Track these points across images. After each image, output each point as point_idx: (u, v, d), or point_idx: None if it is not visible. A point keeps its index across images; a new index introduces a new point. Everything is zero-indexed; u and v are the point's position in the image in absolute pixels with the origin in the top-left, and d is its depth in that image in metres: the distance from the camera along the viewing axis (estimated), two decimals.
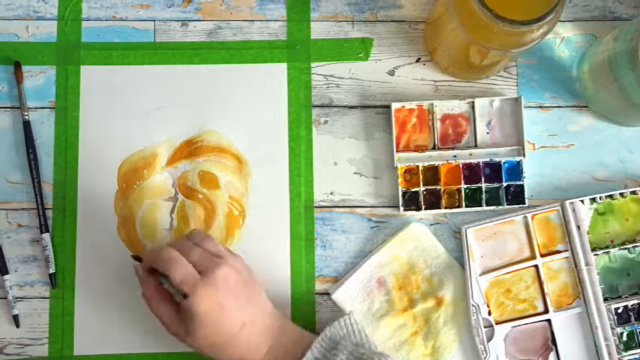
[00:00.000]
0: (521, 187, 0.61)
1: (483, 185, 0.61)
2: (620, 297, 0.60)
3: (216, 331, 0.50)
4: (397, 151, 0.61)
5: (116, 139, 0.62)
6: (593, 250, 0.60)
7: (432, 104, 0.61)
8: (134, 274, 0.60)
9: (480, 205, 0.61)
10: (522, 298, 0.60)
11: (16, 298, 0.60)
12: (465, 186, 0.61)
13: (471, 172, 0.61)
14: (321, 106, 0.62)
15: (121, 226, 0.61)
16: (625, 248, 0.60)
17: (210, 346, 0.51)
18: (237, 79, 0.62)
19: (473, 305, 0.59)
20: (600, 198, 0.60)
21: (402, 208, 0.60)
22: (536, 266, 0.60)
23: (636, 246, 0.60)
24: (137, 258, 0.56)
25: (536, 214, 0.60)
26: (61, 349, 0.60)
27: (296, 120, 0.62)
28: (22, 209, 0.61)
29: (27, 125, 0.61)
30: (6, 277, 0.60)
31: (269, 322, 0.53)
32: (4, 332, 0.60)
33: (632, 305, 0.59)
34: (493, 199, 0.61)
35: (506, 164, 0.61)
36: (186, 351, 0.60)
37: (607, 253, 0.60)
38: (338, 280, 0.61)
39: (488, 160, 0.61)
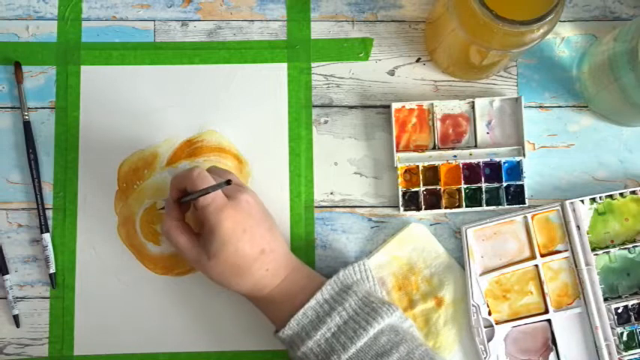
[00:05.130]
0: (521, 187, 0.61)
1: (483, 185, 0.61)
2: (620, 297, 0.60)
3: (238, 253, 0.52)
4: (397, 151, 0.61)
5: (116, 139, 0.62)
6: (593, 250, 0.60)
7: (432, 104, 0.61)
8: (134, 274, 0.61)
9: (480, 205, 0.61)
10: (522, 298, 0.60)
11: (16, 298, 0.60)
12: (465, 186, 0.61)
13: (471, 172, 0.61)
14: (322, 106, 0.62)
15: (121, 226, 0.61)
16: (625, 248, 0.60)
17: (230, 270, 0.52)
18: (237, 79, 0.62)
19: (473, 305, 0.59)
20: (600, 198, 0.60)
21: (402, 208, 0.60)
22: (536, 266, 0.60)
23: (636, 246, 0.60)
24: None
25: (536, 214, 0.60)
26: (61, 349, 0.60)
27: (296, 120, 0.62)
28: (22, 209, 0.61)
29: (27, 125, 0.61)
30: (6, 277, 0.60)
31: (286, 255, 0.56)
32: (5, 332, 0.60)
33: (632, 305, 0.59)
34: (493, 199, 0.61)
35: (506, 164, 0.61)
36: (188, 350, 0.60)
37: (607, 253, 0.60)
38: None
39: (488, 160, 0.61)
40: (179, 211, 0.55)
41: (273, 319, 0.55)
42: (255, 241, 0.52)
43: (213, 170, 0.56)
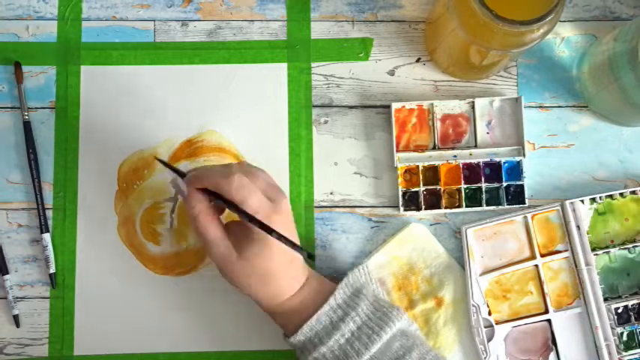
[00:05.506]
0: (521, 187, 0.61)
1: (483, 185, 0.61)
2: (620, 297, 0.60)
3: (273, 261, 0.49)
4: (397, 151, 0.61)
5: (116, 139, 0.62)
6: (593, 250, 0.60)
7: (432, 104, 0.61)
8: (134, 274, 0.60)
9: (480, 205, 0.61)
10: (522, 298, 0.60)
11: (17, 298, 0.60)
12: (465, 186, 0.61)
13: (471, 172, 0.61)
14: (322, 106, 0.62)
15: (121, 226, 0.61)
16: (625, 248, 0.60)
17: (257, 275, 0.50)
18: (238, 79, 0.62)
19: (473, 305, 0.59)
20: (600, 198, 0.60)
21: (402, 208, 0.60)
22: (536, 266, 0.60)
23: (636, 246, 0.60)
24: (167, 165, 0.53)
25: (536, 214, 0.60)
26: (61, 349, 0.60)
27: (296, 120, 0.62)
28: (22, 209, 0.61)
29: (27, 125, 0.61)
30: (6, 277, 0.60)
31: (302, 260, 0.53)
32: (5, 332, 0.60)
33: (632, 305, 0.59)
34: (493, 199, 0.61)
35: (506, 164, 0.61)
36: (188, 351, 0.60)
37: (607, 253, 0.60)
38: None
39: (488, 160, 0.61)
40: (205, 195, 0.50)
41: (283, 325, 0.54)
42: (288, 249, 0.49)
43: (245, 165, 0.52)
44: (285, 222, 0.50)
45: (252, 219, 0.48)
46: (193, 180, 0.50)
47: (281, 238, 0.48)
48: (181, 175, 0.52)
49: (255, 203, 0.48)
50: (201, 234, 0.50)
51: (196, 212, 0.50)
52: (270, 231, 0.47)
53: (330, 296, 0.52)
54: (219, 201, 0.49)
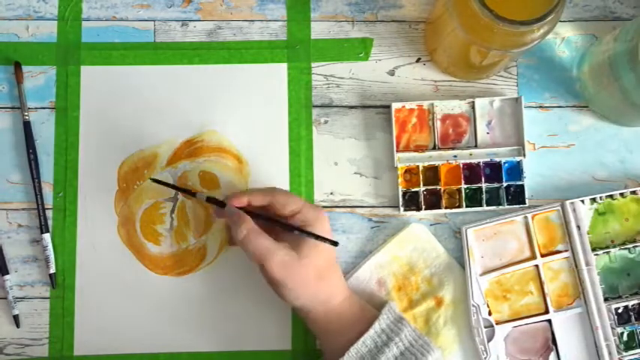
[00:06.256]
0: (522, 187, 0.61)
1: (483, 185, 0.61)
2: (620, 297, 0.60)
3: (326, 258, 0.53)
4: (397, 151, 0.61)
5: (116, 139, 0.62)
6: (593, 250, 0.60)
7: (432, 104, 0.61)
8: (134, 274, 0.60)
9: (481, 205, 0.61)
10: (523, 298, 0.60)
11: (17, 298, 0.60)
12: (466, 186, 0.61)
13: (471, 172, 0.61)
14: (322, 106, 0.62)
15: (121, 226, 0.61)
16: (625, 248, 0.60)
17: (315, 276, 0.53)
18: (238, 79, 0.62)
19: (473, 305, 0.59)
20: (600, 198, 0.60)
21: (402, 208, 0.60)
22: (536, 266, 0.60)
23: (636, 246, 0.60)
24: (212, 200, 0.55)
25: (536, 214, 0.60)
26: (61, 349, 0.60)
27: (296, 120, 0.62)
28: (22, 209, 0.61)
29: (27, 125, 0.61)
30: (6, 277, 0.60)
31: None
32: (5, 332, 0.60)
33: (632, 305, 0.59)
34: (493, 199, 0.61)
35: (506, 164, 0.61)
36: (188, 351, 0.60)
37: (607, 253, 0.60)
38: None
39: (488, 160, 0.61)
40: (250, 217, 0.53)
41: (327, 346, 0.55)
42: (331, 248, 0.54)
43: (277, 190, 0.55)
44: (328, 224, 0.54)
45: (291, 226, 0.52)
46: (234, 200, 0.53)
47: (318, 237, 0.52)
48: (219, 203, 0.55)
49: (301, 205, 0.53)
50: (257, 249, 0.51)
51: (246, 231, 0.52)
52: (308, 233, 0.52)
53: (373, 320, 0.54)
54: (260, 218, 0.53)
